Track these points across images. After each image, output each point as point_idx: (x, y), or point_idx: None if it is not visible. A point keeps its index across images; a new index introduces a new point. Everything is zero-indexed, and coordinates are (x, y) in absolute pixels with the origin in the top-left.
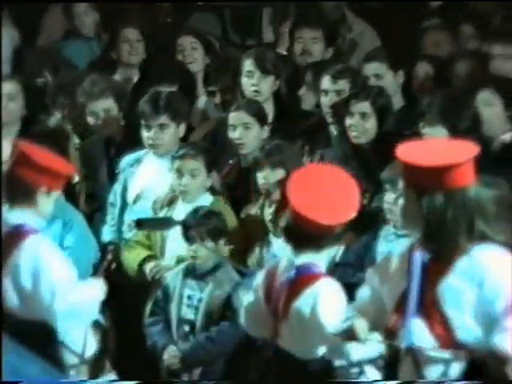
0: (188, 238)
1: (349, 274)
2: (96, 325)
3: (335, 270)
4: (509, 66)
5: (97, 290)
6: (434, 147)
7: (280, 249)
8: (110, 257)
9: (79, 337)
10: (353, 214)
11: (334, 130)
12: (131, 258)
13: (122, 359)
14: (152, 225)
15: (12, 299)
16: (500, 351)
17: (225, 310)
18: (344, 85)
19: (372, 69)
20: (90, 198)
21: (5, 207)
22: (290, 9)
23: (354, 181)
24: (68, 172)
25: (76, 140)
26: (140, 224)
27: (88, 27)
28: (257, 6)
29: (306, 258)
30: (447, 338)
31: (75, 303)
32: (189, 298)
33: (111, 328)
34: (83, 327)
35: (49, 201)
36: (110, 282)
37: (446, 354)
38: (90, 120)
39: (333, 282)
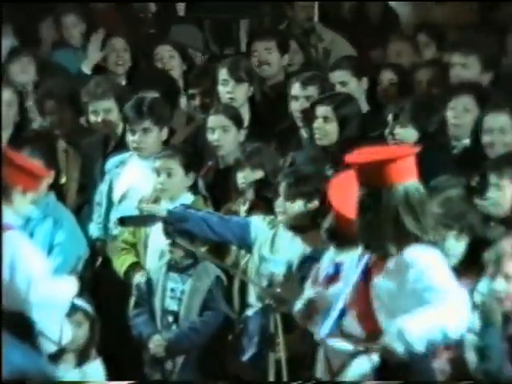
0: (167, 234)
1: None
2: (84, 314)
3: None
4: (466, 73)
5: (70, 285)
6: (376, 151)
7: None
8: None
9: (56, 326)
10: None
11: (304, 133)
12: (118, 263)
13: (107, 347)
14: (135, 222)
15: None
16: (391, 347)
17: (206, 301)
18: (313, 91)
19: (337, 76)
20: (82, 193)
21: None
22: (265, 21)
23: None
24: (43, 174)
25: (63, 144)
26: (123, 222)
27: (76, 38)
28: (234, 18)
29: (347, 255)
30: (373, 329)
31: (49, 295)
32: (172, 290)
33: (97, 318)
34: (57, 318)
35: (25, 200)
36: (96, 276)
37: (350, 348)
38: (92, 118)
39: None
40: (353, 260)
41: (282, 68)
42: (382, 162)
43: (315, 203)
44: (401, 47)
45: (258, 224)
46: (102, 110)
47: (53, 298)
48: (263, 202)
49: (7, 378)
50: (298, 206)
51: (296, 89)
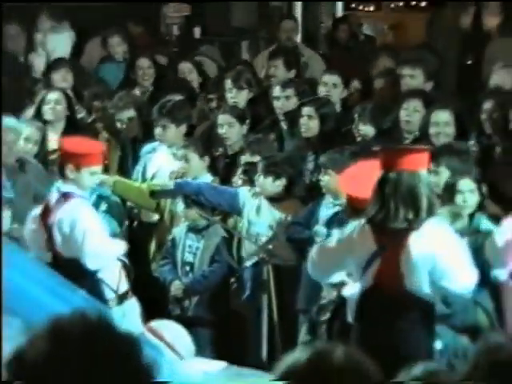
0: (186, 204)
1: (298, 231)
2: (124, 266)
3: (289, 227)
4: (413, 82)
5: (120, 245)
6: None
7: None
8: None
9: (113, 276)
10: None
11: (284, 126)
12: (136, 193)
13: (140, 289)
14: (163, 194)
15: (58, 243)
16: None
17: (214, 255)
18: (290, 92)
19: (332, 79)
20: (121, 172)
21: (58, 180)
22: (261, 45)
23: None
24: (101, 149)
25: (105, 134)
26: (153, 194)
27: (119, 54)
28: (237, 41)
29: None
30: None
31: (101, 249)
32: (189, 246)
33: (132, 268)
34: (111, 269)
35: (82, 175)
36: (132, 235)
37: None
38: (118, 125)
39: None
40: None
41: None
42: (411, 150)
43: (282, 181)
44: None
45: (246, 194)
46: (126, 119)
47: (104, 252)
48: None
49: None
50: (268, 182)
51: (277, 91)
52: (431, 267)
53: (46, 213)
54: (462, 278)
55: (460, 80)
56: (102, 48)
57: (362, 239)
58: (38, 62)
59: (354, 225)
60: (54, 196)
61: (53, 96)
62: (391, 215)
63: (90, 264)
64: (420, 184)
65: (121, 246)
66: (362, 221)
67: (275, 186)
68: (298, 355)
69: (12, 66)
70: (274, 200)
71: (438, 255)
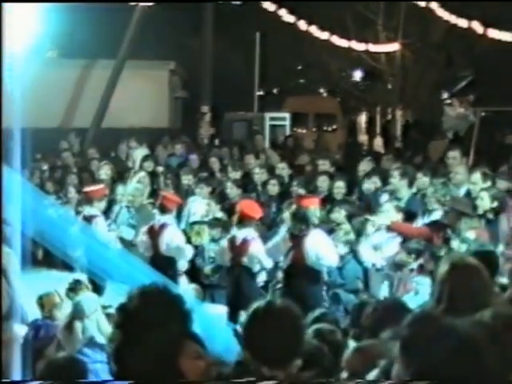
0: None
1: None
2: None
3: None
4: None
5: (190, 250)
6: None
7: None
8: None
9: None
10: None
11: (260, 188)
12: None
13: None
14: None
15: (161, 247)
16: None
17: None
18: (263, 171)
19: (282, 165)
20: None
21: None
22: (248, 147)
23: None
24: (177, 200)
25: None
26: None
27: (178, 151)
28: (235, 146)
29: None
30: None
31: (183, 251)
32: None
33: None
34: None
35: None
36: None
37: None
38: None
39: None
40: None
41: None
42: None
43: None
44: None
45: None
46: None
47: (185, 252)
48: None
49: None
50: None
51: (257, 171)
52: (315, 253)
53: (151, 231)
54: (329, 258)
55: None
56: (164, 150)
57: (285, 242)
58: (134, 160)
59: (281, 235)
60: (156, 223)
61: (143, 173)
62: (296, 229)
63: (181, 260)
64: (310, 214)
65: (191, 250)
66: (282, 234)
67: None
68: (257, 303)
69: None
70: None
71: (318, 247)
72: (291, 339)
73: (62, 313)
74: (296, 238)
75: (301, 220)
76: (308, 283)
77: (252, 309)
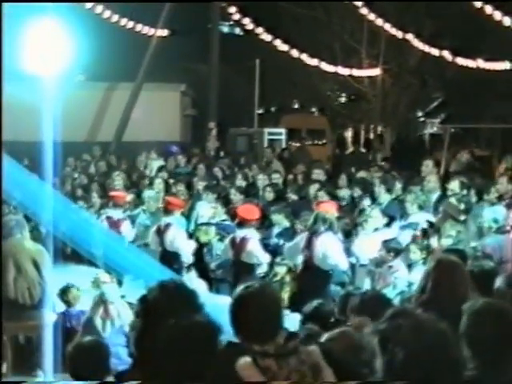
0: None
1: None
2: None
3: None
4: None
5: (193, 244)
6: None
7: None
8: None
9: (188, 260)
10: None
11: (261, 193)
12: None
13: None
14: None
15: (166, 244)
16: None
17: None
18: (264, 177)
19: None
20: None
21: (164, 215)
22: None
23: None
24: (181, 204)
25: (186, 194)
26: (201, 224)
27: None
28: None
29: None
30: None
31: (185, 246)
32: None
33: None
34: (189, 256)
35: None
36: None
37: None
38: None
39: None
40: None
41: None
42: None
43: None
44: None
45: None
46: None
47: (190, 248)
48: None
49: (167, 281)
50: None
51: (260, 178)
52: (325, 255)
53: (158, 230)
54: (339, 261)
55: None
56: (174, 161)
57: (301, 242)
58: (149, 170)
59: (300, 237)
60: (162, 223)
61: (159, 180)
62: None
63: (185, 254)
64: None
65: (194, 244)
66: (303, 235)
67: None
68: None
69: (139, 177)
70: None
71: (329, 249)
72: (273, 315)
73: (84, 303)
74: (311, 239)
75: (319, 223)
76: (316, 281)
77: (234, 296)
